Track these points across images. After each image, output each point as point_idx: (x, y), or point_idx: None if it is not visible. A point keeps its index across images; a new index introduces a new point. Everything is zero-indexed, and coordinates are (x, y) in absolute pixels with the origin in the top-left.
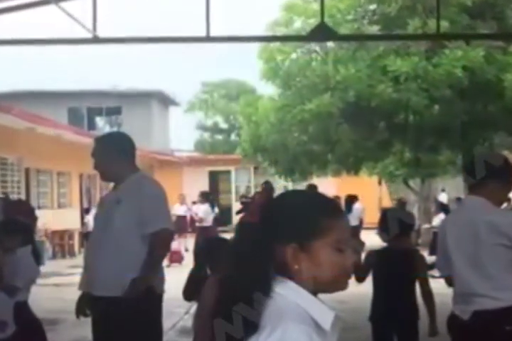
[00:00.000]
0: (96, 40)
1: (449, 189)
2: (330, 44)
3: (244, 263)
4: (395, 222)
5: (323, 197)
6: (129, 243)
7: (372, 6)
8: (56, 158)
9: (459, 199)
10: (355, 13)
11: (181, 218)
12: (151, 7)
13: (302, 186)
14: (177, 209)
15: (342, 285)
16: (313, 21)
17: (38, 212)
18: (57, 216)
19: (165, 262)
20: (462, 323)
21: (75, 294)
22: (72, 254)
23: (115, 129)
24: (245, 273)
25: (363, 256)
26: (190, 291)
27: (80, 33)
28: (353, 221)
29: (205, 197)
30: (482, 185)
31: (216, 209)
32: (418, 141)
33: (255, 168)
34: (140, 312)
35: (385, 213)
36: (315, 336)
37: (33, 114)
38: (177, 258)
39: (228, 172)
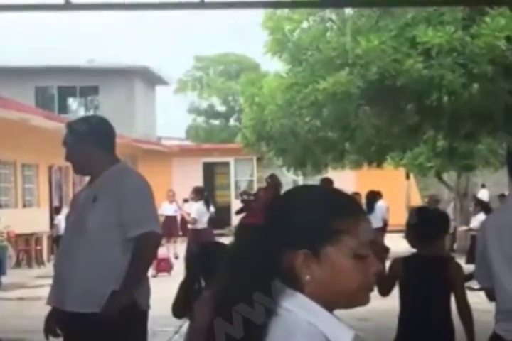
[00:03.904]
0: (68, 6)
1: (490, 184)
2: (348, 11)
3: (244, 267)
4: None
5: (340, 194)
6: (108, 249)
7: None
8: (21, 147)
9: (502, 196)
10: None
11: (170, 219)
12: None
13: (315, 181)
14: (165, 209)
15: (363, 300)
16: None
17: None
18: (22, 216)
19: (150, 272)
20: None
21: (43, 310)
22: (39, 262)
23: (91, 113)
24: (245, 274)
25: (388, 264)
26: (181, 306)
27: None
28: (376, 222)
29: (199, 193)
30: None
31: (212, 209)
32: (454, 127)
33: (259, 159)
34: (121, 332)
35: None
36: None
37: None
38: (165, 266)
39: (226, 164)
